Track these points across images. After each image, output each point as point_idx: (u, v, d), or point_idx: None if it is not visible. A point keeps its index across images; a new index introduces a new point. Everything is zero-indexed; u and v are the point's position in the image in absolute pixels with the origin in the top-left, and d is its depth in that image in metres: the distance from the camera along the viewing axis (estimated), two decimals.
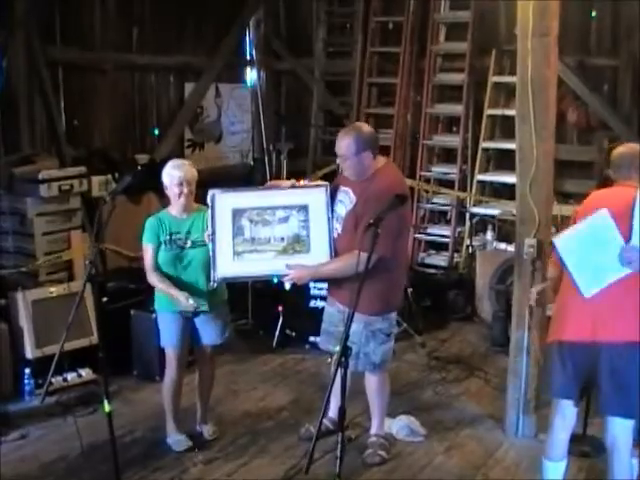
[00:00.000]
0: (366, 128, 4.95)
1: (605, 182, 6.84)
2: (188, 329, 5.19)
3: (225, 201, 4.97)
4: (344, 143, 4.80)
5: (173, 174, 5.04)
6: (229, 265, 4.90)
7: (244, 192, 5.27)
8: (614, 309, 4.02)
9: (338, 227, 4.93)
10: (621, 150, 4.40)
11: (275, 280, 5.20)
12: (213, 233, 4.90)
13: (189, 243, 5.08)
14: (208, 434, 5.47)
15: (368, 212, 4.46)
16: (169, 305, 5.08)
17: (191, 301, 4.90)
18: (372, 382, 5.16)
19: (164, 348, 5.27)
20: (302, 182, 5.21)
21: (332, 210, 4.97)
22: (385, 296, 4.91)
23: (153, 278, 5.05)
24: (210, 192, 5.00)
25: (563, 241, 4.13)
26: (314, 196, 5.01)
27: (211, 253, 4.90)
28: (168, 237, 5.06)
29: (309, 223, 4.94)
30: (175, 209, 5.14)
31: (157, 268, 5.06)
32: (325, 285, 6.31)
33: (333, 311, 5.14)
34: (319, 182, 5.17)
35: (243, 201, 5.02)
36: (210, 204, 4.96)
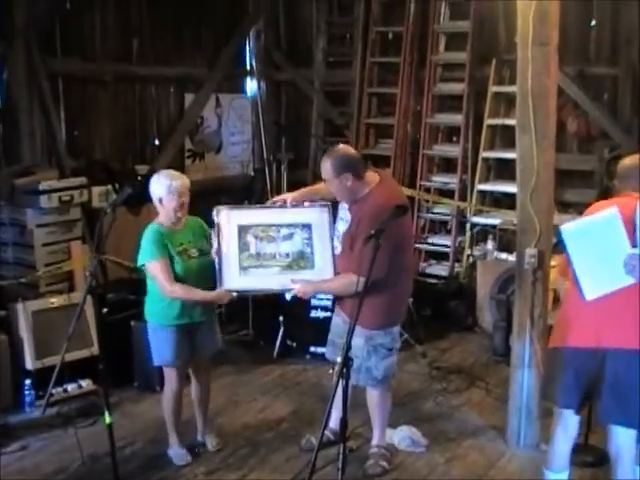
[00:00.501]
0: (343, 151, 4.89)
1: (606, 192, 6.88)
2: (188, 342, 5.11)
3: (231, 217, 5.08)
4: (324, 168, 4.85)
5: (173, 185, 4.94)
6: (235, 279, 4.97)
7: (249, 209, 5.44)
8: (619, 315, 4.01)
9: (338, 246, 4.93)
10: (627, 162, 4.39)
11: (288, 297, 5.27)
12: (219, 248, 4.95)
13: (196, 252, 5.07)
14: (212, 445, 5.45)
15: (362, 233, 4.49)
16: (172, 319, 5.00)
17: (234, 293, 4.96)
18: (374, 396, 5.14)
19: (162, 366, 5.22)
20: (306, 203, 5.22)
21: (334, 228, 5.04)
22: (387, 310, 4.88)
23: (177, 289, 4.90)
24: (216, 208, 5.06)
25: (569, 231, 4.06)
26: (317, 215, 5.11)
27: (217, 267, 4.94)
28: (180, 249, 4.99)
29: (312, 241, 5.04)
30: (170, 220, 5.02)
31: (177, 280, 4.94)
32: (326, 296, 6.35)
33: (339, 322, 5.13)
34: (322, 202, 5.16)
35: (248, 218, 5.13)
36: (216, 220, 5.02)
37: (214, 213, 5.04)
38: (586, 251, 4.02)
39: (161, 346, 5.06)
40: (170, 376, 5.16)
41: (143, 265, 4.96)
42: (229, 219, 5.05)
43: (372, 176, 4.87)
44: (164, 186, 4.95)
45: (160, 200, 4.99)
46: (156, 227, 5.02)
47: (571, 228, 4.08)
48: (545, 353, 5.00)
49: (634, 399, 4.00)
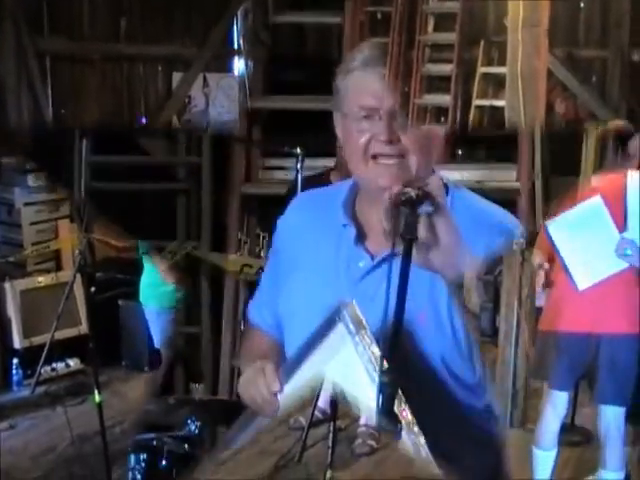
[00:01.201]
0: None
1: None
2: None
3: None
4: None
5: None
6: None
7: None
8: (613, 300, 3.97)
9: None
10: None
11: None
12: None
13: None
14: None
15: None
16: (176, 302, 4.99)
17: None
18: None
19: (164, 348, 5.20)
20: None
21: None
22: None
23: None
24: None
25: (555, 225, 4.05)
26: None
27: None
28: None
29: None
30: None
31: None
32: None
33: None
34: None
35: None
36: None
37: None
38: (574, 243, 3.99)
39: (165, 328, 5.04)
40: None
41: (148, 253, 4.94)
42: None
43: None
44: None
45: None
46: None
47: (556, 222, 4.06)
48: (532, 334, 5.02)
49: (629, 381, 3.99)
